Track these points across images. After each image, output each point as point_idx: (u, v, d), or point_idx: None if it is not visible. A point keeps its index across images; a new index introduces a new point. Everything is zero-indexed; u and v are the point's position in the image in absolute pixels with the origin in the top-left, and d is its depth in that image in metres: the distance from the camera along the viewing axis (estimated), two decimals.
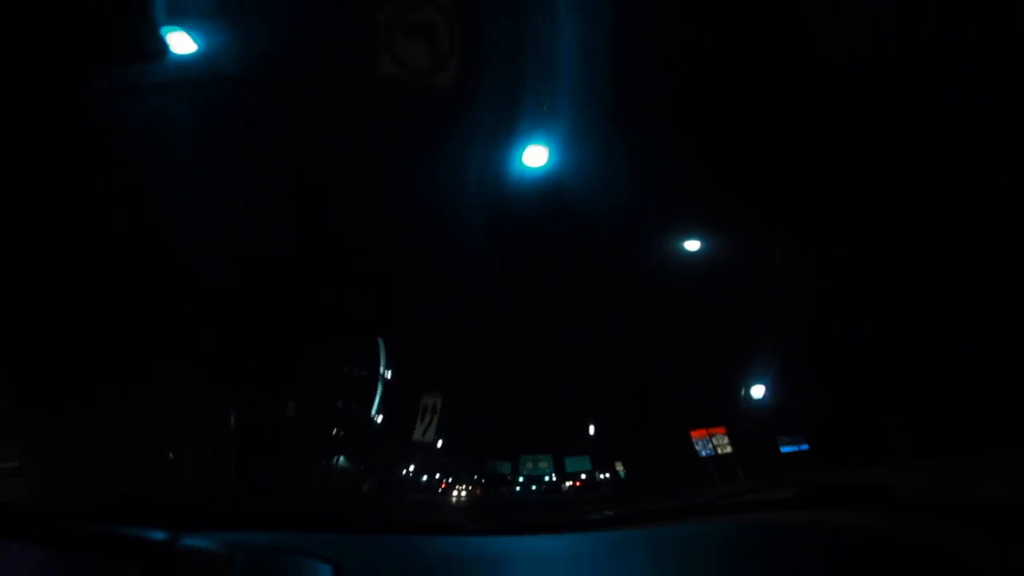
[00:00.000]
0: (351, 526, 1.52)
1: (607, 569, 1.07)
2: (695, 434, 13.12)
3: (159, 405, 10.17)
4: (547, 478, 26.61)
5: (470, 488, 29.07)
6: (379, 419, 22.19)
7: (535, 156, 9.11)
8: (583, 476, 26.87)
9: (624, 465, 23.35)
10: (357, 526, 1.52)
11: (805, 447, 14.55)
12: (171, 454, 10.47)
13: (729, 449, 12.90)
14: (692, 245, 12.50)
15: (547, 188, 10.14)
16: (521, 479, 24.96)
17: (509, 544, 1.23)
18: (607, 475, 25.44)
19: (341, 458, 19.42)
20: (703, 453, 13.05)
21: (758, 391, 13.25)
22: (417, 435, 8.46)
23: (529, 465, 23.88)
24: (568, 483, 29.52)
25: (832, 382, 13.10)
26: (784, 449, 14.23)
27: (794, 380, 13.89)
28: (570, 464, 23.77)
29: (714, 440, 12.91)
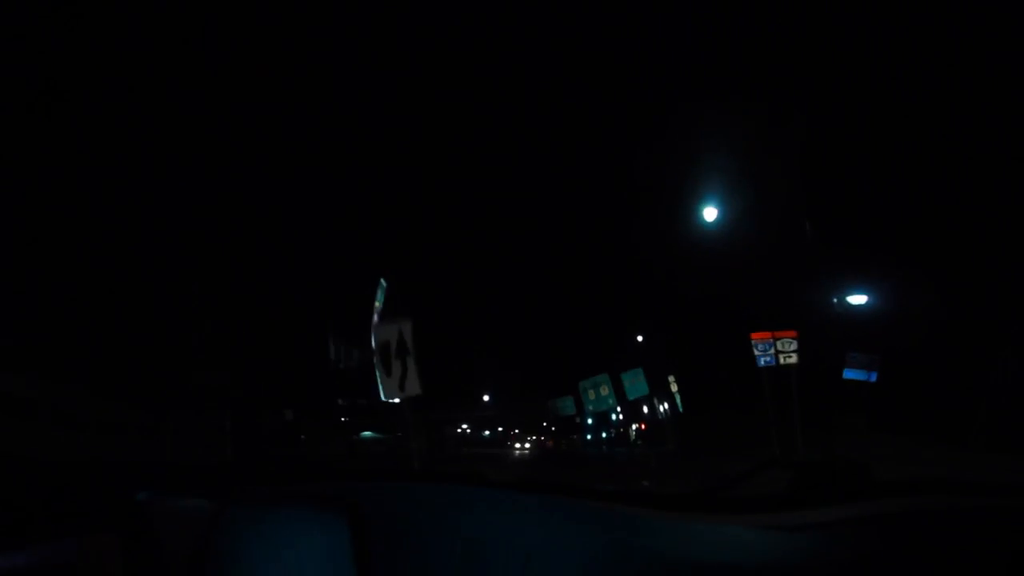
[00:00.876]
0: (370, 476, 1.41)
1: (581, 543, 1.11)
2: (756, 336, 11.60)
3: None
4: (613, 416, 26.15)
5: (541, 439, 28.18)
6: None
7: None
8: (644, 409, 26.16)
9: (677, 382, 22.84)
10: (378, 476, 1.41)
11: (873, 377, 12.95)
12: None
13: (794, 359, 11.40)
14: None
15: None
16: (590, 421, 24.58)
17: (526, 500, 1.28)
18: (665, 405, 24.88)
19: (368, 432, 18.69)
20: (761, 361, 11.66)
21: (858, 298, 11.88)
22: (389, 391, 5.40)
23: (591, 394, 23.84)
24: (634, 426, 28.86)
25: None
26: (848, 374, 12.68)
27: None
28: (628, 386, 23.54)
29: (779, 345, 11.44)
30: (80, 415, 9.55)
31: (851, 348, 12.95)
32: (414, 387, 5.50)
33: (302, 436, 17.54)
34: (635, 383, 24.24)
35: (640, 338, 21.68)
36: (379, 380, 5.65)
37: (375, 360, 5.75)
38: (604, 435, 28.22)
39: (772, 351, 11.55)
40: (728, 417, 19.64)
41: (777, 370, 11.97)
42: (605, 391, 24.45)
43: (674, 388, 22.46)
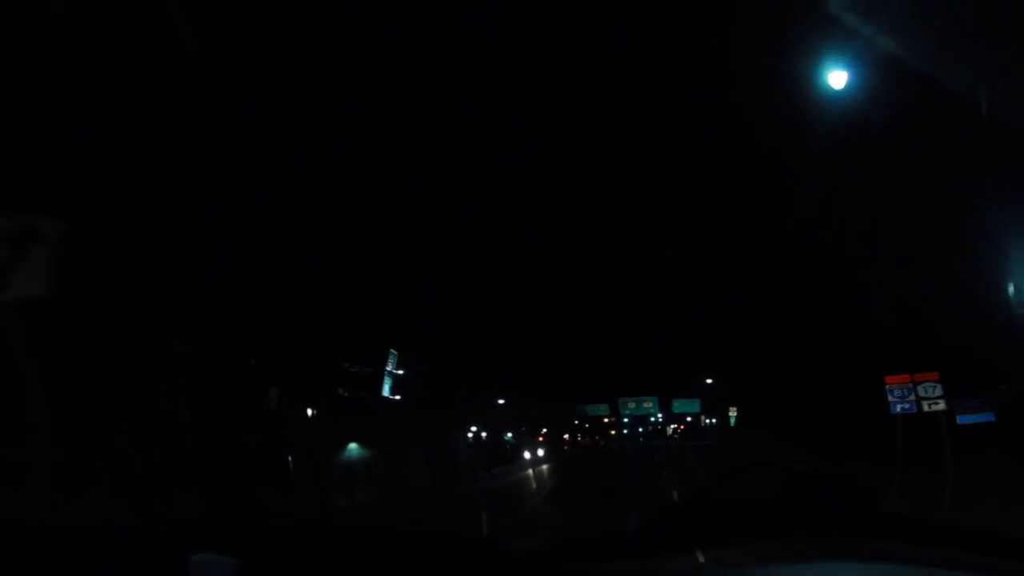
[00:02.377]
0: None
1: None
2: (892, 380, 10.48)
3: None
4: (652, 419, 25.43)
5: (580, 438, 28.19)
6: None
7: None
8: (688, 419, 25.48)
9: (738, 411, 21.41)
10: None
11: (991, 417, 11.42)
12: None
13: (942, 405, 10.20)
14: None
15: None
16: (625, 419, 23.77)
17: None
18: (713, 420, 23.78)
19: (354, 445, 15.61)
20: (897, 408, 10.52)
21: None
22: None
23: (631, 404, 22.41)
24: (672, 426, 28.58)
25: None
26: (961, 419, 11.36)
27: None
28: (678, 405, 21.89)
29: (920, 390, 10.25)
30: None
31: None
32: (31, 285, 3.07)
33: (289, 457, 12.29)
34: (687, 405, 22.61)
35: (709, 381, 20.38)
36: None
37: None
38: (640, 429, 28.20)
39: (912, 397, 10.32)
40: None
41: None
42: (648, 405, 23.00)
43: (732, 414, 21.04)
